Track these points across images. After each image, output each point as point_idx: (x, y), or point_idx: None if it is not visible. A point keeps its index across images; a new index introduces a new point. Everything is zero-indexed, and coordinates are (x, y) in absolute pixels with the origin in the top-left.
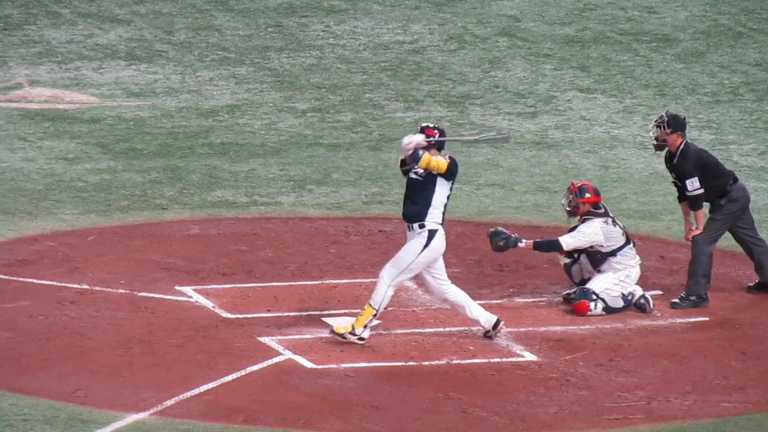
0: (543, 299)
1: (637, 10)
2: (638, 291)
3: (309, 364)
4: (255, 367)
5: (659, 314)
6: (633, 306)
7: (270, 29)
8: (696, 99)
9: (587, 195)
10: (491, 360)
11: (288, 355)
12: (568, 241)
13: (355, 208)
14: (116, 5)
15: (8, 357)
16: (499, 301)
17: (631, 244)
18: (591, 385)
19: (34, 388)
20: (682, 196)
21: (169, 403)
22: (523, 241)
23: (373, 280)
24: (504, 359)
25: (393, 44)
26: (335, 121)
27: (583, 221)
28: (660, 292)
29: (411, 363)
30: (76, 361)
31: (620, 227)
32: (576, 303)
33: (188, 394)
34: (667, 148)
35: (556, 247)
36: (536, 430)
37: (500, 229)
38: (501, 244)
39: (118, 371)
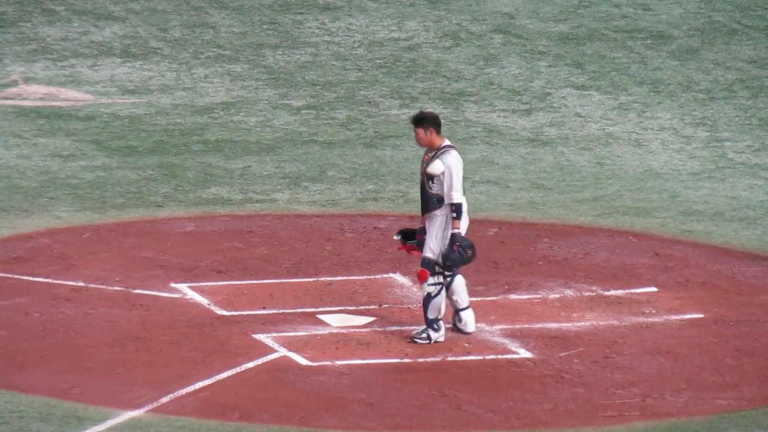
0: (538, 296)
1: (631, 7)
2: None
3: (304, 361)
4: (250, 364)
5: (654, 311)
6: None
7: (265, 26)
8: (691, 96)
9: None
10: (486, 357)
11: (283, 352)
12: (458, 192)
13: (350, 205)
14: (111, 2)
15: (3, 354)
16: (494, 298)
17: None
18: (586, 382)
19: (30, 386)
20: None
21: (164, 400)
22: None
23: (368, 277)
24: (499, 356)
25: (388, 41)
26: (330, 118)
27: (437, 154)
28: (655, 289)
29: (406, 360)
30: (72, 359)
31: None
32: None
33: (183, 391)
34: None
35: (461, 208)
36: (531, 427)
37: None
38: (470, 253)
39: (113, 368)
